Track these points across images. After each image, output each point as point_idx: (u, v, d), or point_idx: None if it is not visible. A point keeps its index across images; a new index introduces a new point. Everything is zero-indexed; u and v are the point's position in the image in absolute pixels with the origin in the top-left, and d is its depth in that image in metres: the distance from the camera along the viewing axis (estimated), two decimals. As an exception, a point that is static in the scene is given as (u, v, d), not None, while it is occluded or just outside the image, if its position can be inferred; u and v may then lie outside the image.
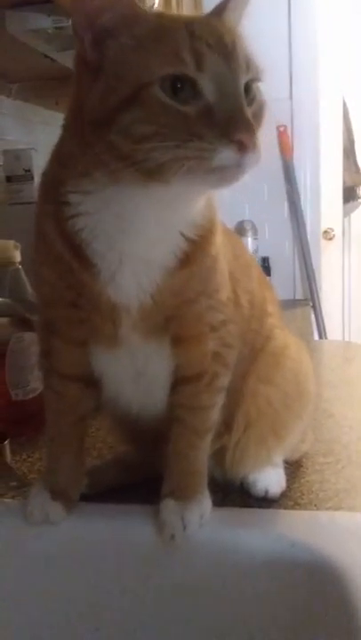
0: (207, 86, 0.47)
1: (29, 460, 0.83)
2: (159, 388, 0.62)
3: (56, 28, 0.86)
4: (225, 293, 0.60)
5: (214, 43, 0.47)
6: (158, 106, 0.46)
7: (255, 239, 2.25)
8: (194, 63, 0.47)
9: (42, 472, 0.78)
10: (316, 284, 2.28)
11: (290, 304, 2.19)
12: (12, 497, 0.72)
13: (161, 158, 0.47)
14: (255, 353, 0.69)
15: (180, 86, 0.47)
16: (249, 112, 0.48)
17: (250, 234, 2.24)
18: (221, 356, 0.62)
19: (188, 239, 0.56)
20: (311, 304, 2.27)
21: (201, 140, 0.46)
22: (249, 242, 2.23)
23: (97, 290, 0.56)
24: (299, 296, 2.33)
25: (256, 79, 0.51)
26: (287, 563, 0.60)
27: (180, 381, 0.62)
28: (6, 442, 0.82)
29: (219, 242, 0.59)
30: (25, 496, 0.69)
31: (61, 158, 0.56)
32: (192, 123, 0.46)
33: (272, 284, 2.25)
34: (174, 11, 1.53)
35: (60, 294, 0.59)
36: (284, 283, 2.30)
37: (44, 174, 0.59)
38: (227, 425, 0.67)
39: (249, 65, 0.49)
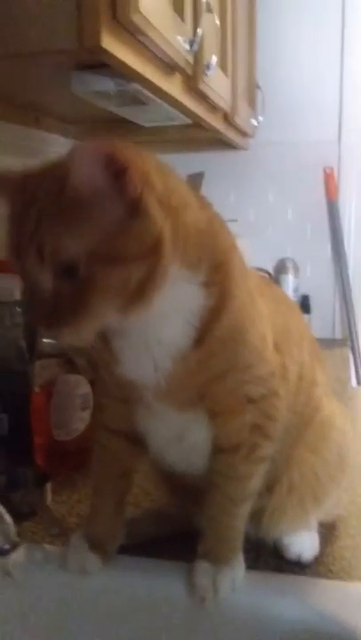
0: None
1: (69, 501, 0.86)
2: (199, 453, 0.64)
3: (119, 90, 0.91)
4: (263, 368, 0.61)
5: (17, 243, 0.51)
6: None
7: (296, 277, 2.26)
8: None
9: (81, 516, 0.80)
10: (355, 324, 2.27)
11: (328, 343, 2.18)
12: (52, 543, 0.74)
13: None
14: (304, 422, 0.70)
15: None
16: (55, 299, 0.50)
17: (291, 272, 2.24)
18: (263, 428, 0.62)
19: (193, 326, 0.56)
20: (350, 344, 2.26)
21: None
22: (290, 279, 2.24)
23: (114, 366, 0.59)
24: (338, 335, 2.32)
25: (71, 262, 0.48)
26: (316, 634, 0.61)
27: (218, 450, 0.63)
28: (48, 484, 0.85)
29: (240, 317, 0.58)
30: (64, 543, 0.71)
31: None
32: None
33: (313, 324, 2.21)
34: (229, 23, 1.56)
35: (95, 359, 0.63)
36: (323, 321, 2.30)
37: None
38: (268, 487, 0.68)
39: (43, 255, 0.49)
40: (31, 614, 0.69)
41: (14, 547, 0.56)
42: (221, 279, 0.56)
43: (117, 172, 0.47)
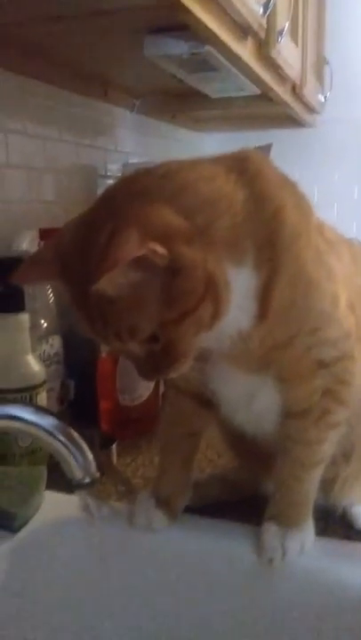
0: None
1: (133, 464, 0.87)
2: (269, 416, 0.63)
3: (192, 53, 0.90)
4: (335, 329, 0.58)
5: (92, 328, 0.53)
6: None
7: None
8: None
9: (145, 478, 0.81)
10: None
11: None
12: (118, 500, 0.75)
13: None
14: None
15: None
16: (151, 358, 0.53)
17: (356, 253, 2.19)
18: (335, 392, 0.60)
19: (252, 306, 0.54)
20: None
21: None
22: (355, 262, 2.19)
23: None
24: None
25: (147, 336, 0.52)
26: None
27: (288, 414, 0.62)
28: (114, 445, 0.86)
29: (300, 282, 0.56)
30: (131, 500, 0.72)
31: None
32: None
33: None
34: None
35: None
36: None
37: None
38: (345, 454, 0.66)
39: (122, 338, 0.51)
40: (94, 569, 0.71)
41: (94, 482, 0.58)
42: (269, 255, 0.54)
43: (139, 261, 0.47)
